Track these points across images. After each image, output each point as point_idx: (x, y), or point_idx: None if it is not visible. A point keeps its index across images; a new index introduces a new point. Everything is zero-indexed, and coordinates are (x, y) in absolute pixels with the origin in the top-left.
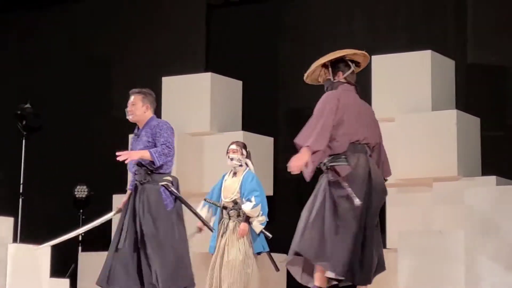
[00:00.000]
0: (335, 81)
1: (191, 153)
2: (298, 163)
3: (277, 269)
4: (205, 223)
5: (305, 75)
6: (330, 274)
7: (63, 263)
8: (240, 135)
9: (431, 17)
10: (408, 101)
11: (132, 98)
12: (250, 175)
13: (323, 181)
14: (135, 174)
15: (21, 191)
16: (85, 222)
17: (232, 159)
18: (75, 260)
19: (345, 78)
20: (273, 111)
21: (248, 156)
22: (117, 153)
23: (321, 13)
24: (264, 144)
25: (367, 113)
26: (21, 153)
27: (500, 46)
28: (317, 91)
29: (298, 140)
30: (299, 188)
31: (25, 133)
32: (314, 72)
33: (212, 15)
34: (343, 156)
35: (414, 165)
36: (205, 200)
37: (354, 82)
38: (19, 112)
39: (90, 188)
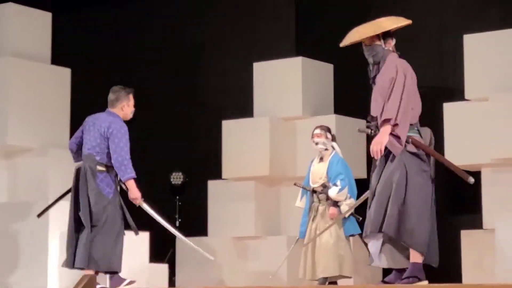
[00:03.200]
0: (386, 48)
1: (284, 138)
2: (376, 149)
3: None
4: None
5: (348, 41)
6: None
7: (162, 249)
8: (332, 118)
9: None
10: (502, 79)
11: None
12: (336, 158)
13: (399, 154)
14: None
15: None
16: (181, 208)
17: (317, 144)
18: (173, 246)
19: (393, 47)
20: (365, 93)
21: (334, 139)
22: None
23: None
24: (356, 127)
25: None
26: None
27: None
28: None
29: (388, 115)
30: None
31: None
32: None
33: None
34: (415, 128)
35: (509, 144)
36: (295, 184)
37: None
38: None
39: (186, 174)
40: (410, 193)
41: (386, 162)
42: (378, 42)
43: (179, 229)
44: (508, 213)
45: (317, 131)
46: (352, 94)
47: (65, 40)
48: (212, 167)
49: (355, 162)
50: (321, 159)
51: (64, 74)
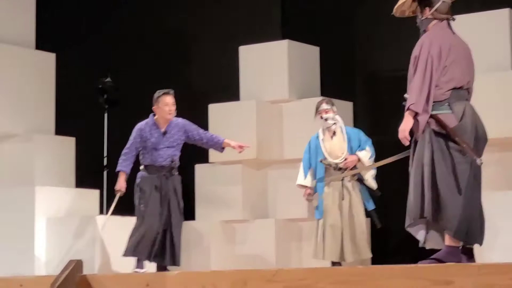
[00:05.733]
0: (423, 18)
1: (271, 121)
2: (403, 135)
3: (379, 224)
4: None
5: (395, 9)
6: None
7: None
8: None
9: None
10: (486, 60)
11: (172, 99)
12: (352, 129)
13: (426, 134)
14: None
15: (105, 163)
16: None
17: (326, 120)
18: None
19: (432, 14)
20: (351, 76)
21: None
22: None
23: None
24: (343, 109)
25: (466, 52)
26: (103, 127)
27: None
28: (395, 53)
29: (412, 105)
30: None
31: (106, 106)
32: (405, 4)
33: None
34: (446, 103)
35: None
36: (321, 161)
37: (445, 15)
38: (100, 86)
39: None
40: (439, 173)
41: (415, 147)
42: (416, 13)
43: None
44: None
45: (324, 106)
46: (338, 76)
47: (49, 25)
48: (199, 150)
49: None
50: (334, 133)
51: (48, 59)
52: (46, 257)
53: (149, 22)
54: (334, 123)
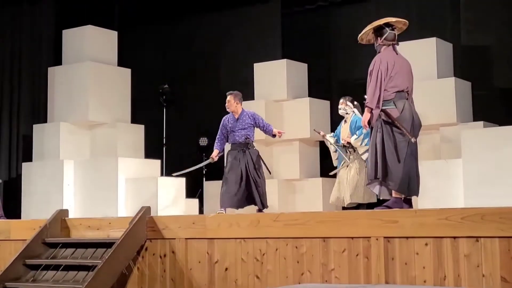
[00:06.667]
0: (377, 44)
1: (274, 116)
2: (364, 124)
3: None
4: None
5: (359, 37)
6: (394, 189)
7: (194, 189)
8: (306, 100)
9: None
10: (420, 72)
11: (228, 97)
12: (355, 118)
13: (378, 122)
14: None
15: (164, 142)
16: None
17: (339, 109)
18: (201, 186)
19: (382, 41)
20: (329, 82)
21: (356, 107)
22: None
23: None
24: (322, 107)
25: (405, 66)
26: (163, 118)
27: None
28: (359, 61)
29: (368, 103)
30: None
31: (165, 104)
32: (368, 36)
33: (284, 18)
34: (392, 102)
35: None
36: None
37: (391, 41)
38: (160, 90)
39: (209, 139)
40: (386, 148)
41: (371, 131)
42: (373, 41)
43: (205, 175)
44: None
45: (341, 100)
46: (320, 83)
47: (127, 49)
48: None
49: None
50: (345, 121)
51: (126, 72)
52: (125, 204)
53: (191, 43)
54: (346, 113)
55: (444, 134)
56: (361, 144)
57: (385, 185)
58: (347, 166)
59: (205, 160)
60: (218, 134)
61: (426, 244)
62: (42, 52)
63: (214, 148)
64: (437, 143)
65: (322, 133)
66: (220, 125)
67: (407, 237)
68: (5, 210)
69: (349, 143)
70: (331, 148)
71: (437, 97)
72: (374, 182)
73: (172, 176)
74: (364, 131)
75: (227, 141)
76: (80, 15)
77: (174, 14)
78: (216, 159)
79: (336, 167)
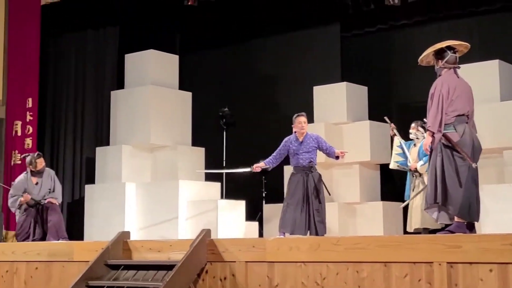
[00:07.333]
0: (437, 67)
1: (334, 139)
2: (425, 148)
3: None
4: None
5: (419, 59)
6: (455, 215)
7: (253, 212)
8: (366, 123)
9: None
10: (482, 95)
11: (304, 118)
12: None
13: (438, 146)
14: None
15: (223, 165)
16: (265, 185)
17: (410, 133)
18: (261, 209)
19: (443, 64)
20: (388, 104)
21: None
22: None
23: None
24: (382, 130)
25: (466, 89)
26: (223, 141)
27: None
28: (419, 84)
29: (430, 127)
30: None
31: (225, 127)
32: (428, 58)
33: (343, 41)
34: (452, 126)
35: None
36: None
37: (452, 65)
38: (220, 113)
39: None
40: (446, 172)
41: (431, 154)
42: (433, 64)
43: (265, 198)
44: None
45: (412, 124)
46: (380, 106)
47: (188, 72)
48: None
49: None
50: (415, 145)
51: (187, 96)
52: (185, 227)
53: (251, 70)
54: (417, 138)
55: (507, 157)
56: (426, 170)
57: (445, 210)
58: (413, 190)
59: (247, 168)
60: (275, 151)
61: (491, 270)
62: (105, 76)
63: (264, 161)
64: (500, 167)
65: (392, 125)
66: (281, 145)
67: (470, 263)
68: (68, 232)
69: (416, 169)
70: (396, 142)
71: (500, 120)
72: (433, 207)
73: (197, 172)
74: None
75: (288, 164)
76: (142, 40)
77: (233, 38)
78: (257, 169)
79: (400, 169)
